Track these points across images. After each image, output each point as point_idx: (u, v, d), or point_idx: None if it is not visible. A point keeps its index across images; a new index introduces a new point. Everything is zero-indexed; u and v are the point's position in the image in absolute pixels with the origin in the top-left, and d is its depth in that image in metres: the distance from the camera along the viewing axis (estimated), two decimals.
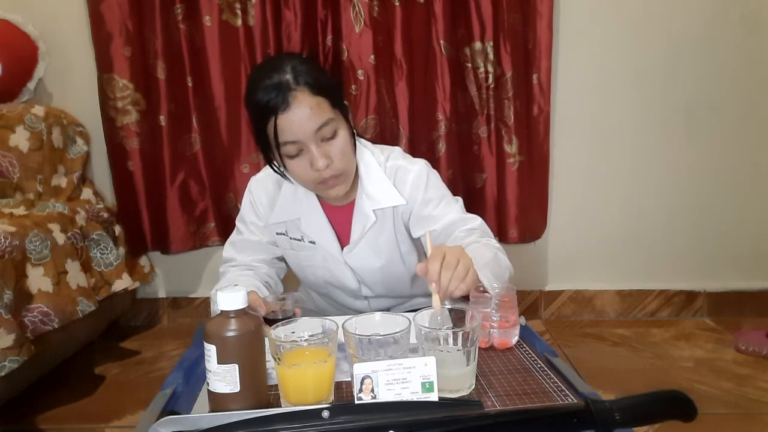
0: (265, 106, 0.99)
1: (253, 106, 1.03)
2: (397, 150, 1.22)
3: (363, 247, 1.17)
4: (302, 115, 0.98)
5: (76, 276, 1.56)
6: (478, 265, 0.95)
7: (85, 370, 1.75)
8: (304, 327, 0.76)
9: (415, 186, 1.15)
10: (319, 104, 0.99)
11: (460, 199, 1.20)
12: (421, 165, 1.18)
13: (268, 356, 0.73)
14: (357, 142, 1.17)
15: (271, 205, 1.20)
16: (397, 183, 1.15)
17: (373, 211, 1.15)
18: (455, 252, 0.90)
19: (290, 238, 1.21)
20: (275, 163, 1.11)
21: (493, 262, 1.02)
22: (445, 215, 1.14)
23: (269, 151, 1.05)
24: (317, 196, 1.16)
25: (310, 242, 1.19)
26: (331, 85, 1.04)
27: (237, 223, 1.27)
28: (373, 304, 1.25)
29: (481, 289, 0.93)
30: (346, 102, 1.10)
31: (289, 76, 0.99)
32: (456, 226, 1.14)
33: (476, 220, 1.16)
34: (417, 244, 1.22)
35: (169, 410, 0.71)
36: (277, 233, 1.22)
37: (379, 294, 1.23)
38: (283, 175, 1.14)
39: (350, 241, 1.17)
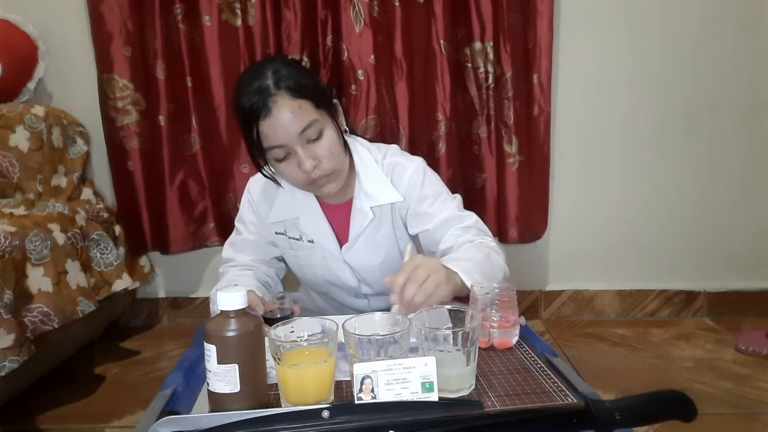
0: (248, 112, 1.01)
1: (238, 113, 1.04)
2: (394, 147, 1.23)
3: (361, 244, 1.17)
4: (284, 119, 0.99)
5: (76, 276, 1.56)
6: (464, 269, 0.95)
7: (85, 370, 1.75)
8: (304, 327, 0.76)
9: (412, 183, 1.15)
10: (301, 107, 1.00)
11: (458, 196, 1.20)
12: (418, 162, 1.18)
13: (268, 356, 0.73)
14: (353, 141, 1.18)
15: (270, 205, 1.21)
16: (394, 180, 1.16)
17: (371, 208, 1.15)
18: (428, 266, 0.90)
19: (289, 238, 1.21)
20: (265, 168, 1.12)
21: (484, 263, 1.02)
22: (440, 212, 1.15)
23: (258, 156, 1.06)
24: (315, 195, 1.17)
25: (309, 241, 1.19)
26: (315, 86, 1.04)
27: (236, 223, 1.27)
28: (373, 302, 1.25)
29: (480, 290, 0.93)
30: (335, 101, 1.11)
31: (269, 82, 1.00)
32: (451, 224, 1.14)
33: (471, 218, 1.16)
34: (416, 240, 1.22)
35: (169, 410, 0.71)
36: (276, 233, 1.23)
37: (379, 292, 1.23)
38: (274, 180, 1.15)
39: (348, 239, 1.17)
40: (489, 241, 1.13)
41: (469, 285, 0.95)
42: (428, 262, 0.91)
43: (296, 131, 1.00)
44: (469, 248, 1.06)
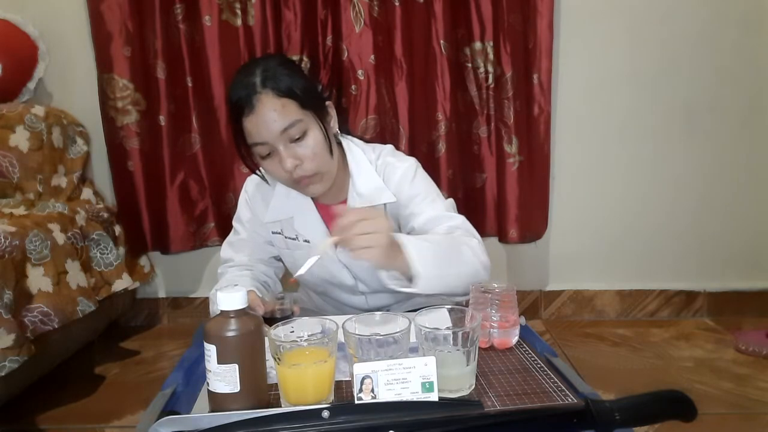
0: (234, 107, 1.02)
1: (227, 108, 1.06)
2: (388, 148, 1.23)
3: None
4: (267, 117, 1.00)
5: (76, 276, 1.56)
6: (419, 246, 0.93)
7: (85, 370, 1.75)
8: (304, 327, 0.76)
9: (401, 183, 1.15)
10: (285, 106, 1.01)
11: (450, 200, 1.19)
12: (410, 162, 1.18)
13: (268, 356, 0.73)
14: (347, 141, 1.18)
15: (266, 205, 1.21)
16: (385, 180, 1.16)
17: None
18: (380, 223, 0.87)
19: (285, 237, 1.22)
20: (258, 171, 1.12)
21: (446, 252, 0.98)
22: (426, 211, 1.13)
23: (244, 151, 1.08)
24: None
25: (305, 241, 1.19)
26: (304, 87, 1.04)
27: (234, 223, 1.28)
28: (370, 300, 1.25)
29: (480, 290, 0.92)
30: (328, 103, 1.11)
31: (257, 79, 1.01)
32: (435, 223, 1.12)
33: (458, 218, 1.13)
34: None
35: (169, 410, 0.71)
36: (273, 232, 1.23)
37: (376, 290, 1.23)
38: (263, 178, 1.16)
39: None
40: (471, 240, 1.08)
41: (415, 265, 0.92)
42: (384, 220, 0.88)
43: (278, 130, 1.01)
44: (440, 235, 1.04)
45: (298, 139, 1.03)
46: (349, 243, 0.85)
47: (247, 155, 1.09)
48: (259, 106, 1.00)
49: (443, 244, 1.00)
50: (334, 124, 1.13)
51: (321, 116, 1.07)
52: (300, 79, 1.05)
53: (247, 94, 1.00)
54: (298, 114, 1.02)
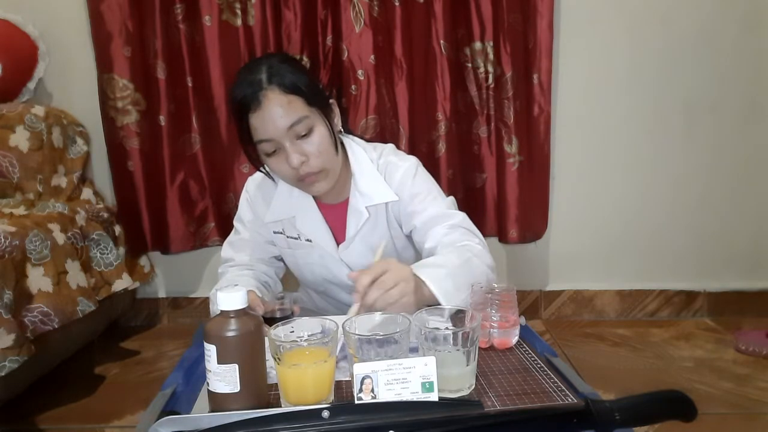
0: (240, 104, 1.02)
1: (231, 105, 1.06)
2: (389, 147, 1.23)
3: (358, 244, 1.17)
4: (273, 113, 1.00)
5: (76, 276, 1.56)
6: (435, 277, 0.93)
7: (85, 370, 1.75)
8: (304, 327, 0.76)
9: (403, 181, 1.16)
10: (291, 102, 1.01)
11: (451, 198, 1.19)
12: (411, 161, 1.18)
13: (268, 356, 0.73)
14: (349, 140, 1.18)
15: (268, 204, 1.21)
16: (386, 179, 1.16)
17: (366, 207, 1.15)
18: (397, 273, 0.87)
19: (287, 237, 1.22)
20: (262, 168, 1.12)
21: (460, 270, 0.98)
22: (427, 209, 1.14)
23: (250, 149, 1.08)
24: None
25: (307, 240, 1.20)
26: (309, 84, 1.05)
27: (235, 223, 1.28)
28: None
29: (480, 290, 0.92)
30: (332, 101, 1.11)
31: (262, 76, 1.01)
32: (436, 221, 1.13)
33: (458, 216, 1.14)
34: (412, 239, 1.22)
35: (169, 410, 0.71)
36: (274, 232, 1.23)
37: None
38: (268, 175, 1.17)
39: (345, 238, 1.18)
40: (474, 243, 1.09)
41: (438, 295, 0.92)
42: (399, 269, 0.88)
43: (284, 126, 1.01)
44: (448, 253, 1.03)
45: (304, 135, 1.03)
46: (378, 305, 0.84)
47: (252, 153, 1.09)
48: (266, 102, 1.00)
49: (456, 264, 0.99)
50: (338, 121, 1.13)
51: (326, 113, 1.08)
52: (304, 75, 1.05)
53: (253, 92, 1.00)
54: (305, 110, 1.02)
